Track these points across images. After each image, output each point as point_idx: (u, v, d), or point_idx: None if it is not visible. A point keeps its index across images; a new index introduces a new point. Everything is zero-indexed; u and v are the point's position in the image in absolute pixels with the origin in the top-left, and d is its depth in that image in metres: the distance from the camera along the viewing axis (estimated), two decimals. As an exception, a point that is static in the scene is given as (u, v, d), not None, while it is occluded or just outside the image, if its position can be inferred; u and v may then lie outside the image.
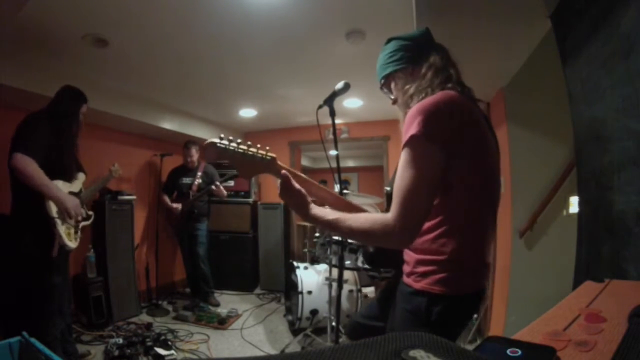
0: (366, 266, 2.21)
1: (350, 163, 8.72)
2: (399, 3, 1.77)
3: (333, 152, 1.48)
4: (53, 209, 1.87)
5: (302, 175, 0.98)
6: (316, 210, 0.92)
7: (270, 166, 0.91)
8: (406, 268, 1.01)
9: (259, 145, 0.89)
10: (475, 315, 2.53)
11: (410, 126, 0.84)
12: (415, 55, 1.02)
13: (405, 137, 0.86)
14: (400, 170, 0.85)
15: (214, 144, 0.83)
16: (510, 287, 2.32)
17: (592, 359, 0.45)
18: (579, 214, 1.45)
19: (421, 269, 0.94)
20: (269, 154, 0.89)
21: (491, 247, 0.99)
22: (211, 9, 1.85)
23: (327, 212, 0.91)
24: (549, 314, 0.63)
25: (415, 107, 0.87)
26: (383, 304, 1.21)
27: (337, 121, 3.68)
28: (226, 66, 2.63)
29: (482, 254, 0.95)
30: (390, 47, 1.07)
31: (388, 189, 1.15)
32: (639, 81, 0.92)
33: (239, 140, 0.86)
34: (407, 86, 1.01)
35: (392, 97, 1.10)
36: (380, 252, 1.20)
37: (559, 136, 2.23)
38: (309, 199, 0.94)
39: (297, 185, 0.92)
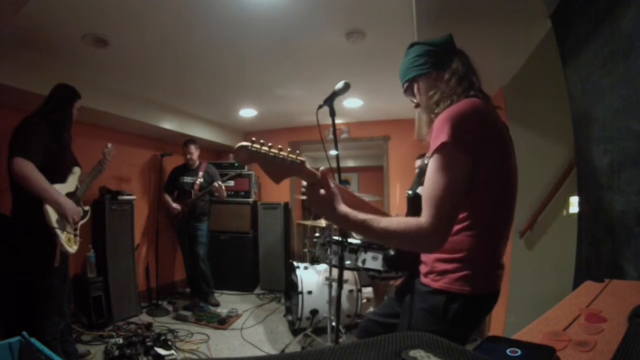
0: (366, 266, 2.21)
1: (350, 163, 8.71)
2: (399, 3, 1.77)
3: (333, 152, 1.48)
4: (53, 218, 1.84)
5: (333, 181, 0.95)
6: (346, 208, 0.89)
7: (300, 169, 0.88)
8: (423, 268, 1.03)
9: (289, 149, 0.87)
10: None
11: (439, 133, 0.87)
12: (439, 61, 1.03)
13: (434, 144, 0.88)
14: (431, 175, 0.88)
15: (245, 147, 0.81)
16: (510, 287, 2.31)
17: (592, 359, 0.45)
18: (579, 214, 1.46)
19: (440, 267, 0.97)
20: (299, 157, 0.87)
21: (505, 248, 1.01)
22: (211, 9, 1.84)
23: (357, 212, 0.89)
24: (549, 314, 0.63)
25: (443, 115, 0.90)
26: (397, 302, 1.22)
27: (337, 121, 3.69)
28: (226, 66, 2.63)
29: (498, 255, 0.98)
30: (414, 51, 1.08)
31: (410, 192, 1.15)
32: (639, 81, 0.92)
33: (270, 144, 0.84)
34: (431, 92, 1.02)
35: (415, 100, 1.11)
36: (400, 256, 1.21)
37: (559, 136, 2.23)
38: (338, 197, 0.90)
39: (327, 188, 0.89)
